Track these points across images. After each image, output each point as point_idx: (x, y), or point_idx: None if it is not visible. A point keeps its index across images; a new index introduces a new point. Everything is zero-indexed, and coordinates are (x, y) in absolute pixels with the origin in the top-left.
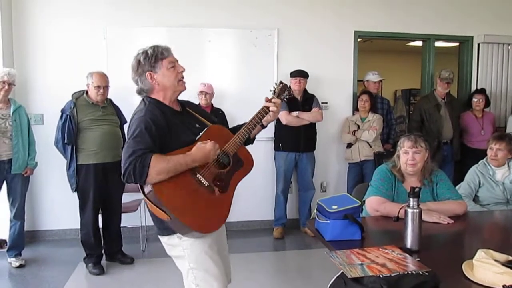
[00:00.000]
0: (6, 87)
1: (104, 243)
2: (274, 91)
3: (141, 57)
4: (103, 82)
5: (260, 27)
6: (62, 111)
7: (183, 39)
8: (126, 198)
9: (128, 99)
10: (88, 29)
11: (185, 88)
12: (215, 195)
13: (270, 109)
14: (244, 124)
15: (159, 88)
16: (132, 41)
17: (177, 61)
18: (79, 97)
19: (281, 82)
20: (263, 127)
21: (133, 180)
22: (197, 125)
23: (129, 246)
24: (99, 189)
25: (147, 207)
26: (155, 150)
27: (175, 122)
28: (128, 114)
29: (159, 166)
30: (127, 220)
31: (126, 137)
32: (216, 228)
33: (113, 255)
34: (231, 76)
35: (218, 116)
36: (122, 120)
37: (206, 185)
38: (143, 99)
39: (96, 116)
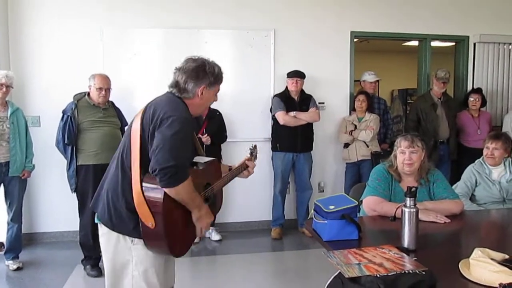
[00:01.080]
0: (4, 89)
1: None
2: (252, 153)
3: (210, 69)
4: (105, 84)
5: (257, 28)
6: (63, 112)
7: (179, 40)
8: None
9: (125, 101)
10: (84, 31)
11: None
12: (191, 225)
13: (249, 169)
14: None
15: (197, 102)
16: (129, 43)
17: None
18: (80, 98)
19: (255, 146)
20: (232, 179)
21: (164, 179)
22: (194, 146)
23: None
24: None
25: (112, 197)
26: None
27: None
28: (126, 115)
29: (186, 191)
30: None
31: (152, 124)
32: (181, 255)
33: None
34: (228, 77)
35: (215, 117)
36: (123, 122)
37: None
38: (177, 96)
39: (97, 117)
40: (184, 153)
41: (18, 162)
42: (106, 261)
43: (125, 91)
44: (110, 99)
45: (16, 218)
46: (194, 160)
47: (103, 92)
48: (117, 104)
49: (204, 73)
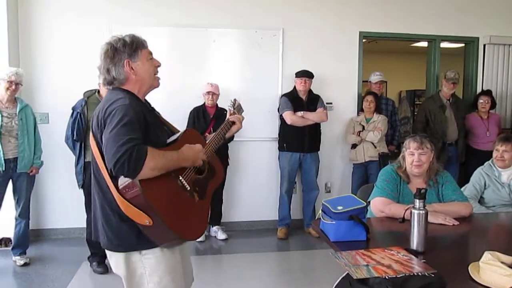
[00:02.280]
0: (13, 87)
1: None
2: (232, 106)
3: (119, 44)
4: None
5: (265, 27)
6: (73, 109)
7: (188, 39)
8: None
9: None
10: (93, 28)
11: (159, 85)
12: (195, 201)
13: (236, 123)
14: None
15: (135, 79)
16: None
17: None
18: (90, 95)
19: (235, 100)
20: (224, 139)
21: (125, 172)
22: (165, 127)
23: None
24: None
25: (111, 211)
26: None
27: (151, 118)
28: None
29: (156, 161)
30: None
31: (99, 130)
32: (197, 236)
33: None
34: (235, 76)
35: (222, 116)
36: None
37: (188, 189)
38: (115, 89)
39: None
40: (133, 135)
41: (26, 159)
42: (127, 284)
43: None
44: None
45: (23, 214)
46: (168, 141)
47: None
48: None
49: (115, 51)
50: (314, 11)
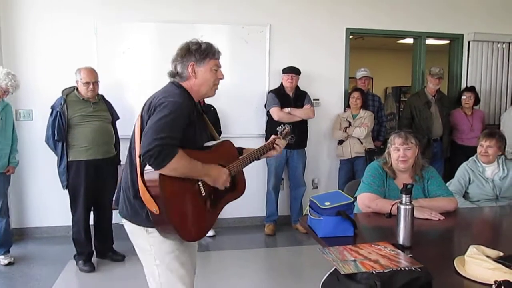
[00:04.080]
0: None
1: (95, 241)
2: (281, 132)
3: (193, 46)
4: (92, 78)
5: (252, 23)
6: (52, 108)
7: (174, 34)
8: None
9: (119, 95)
10: (78, 24)
11: (213, 95)
12: (205, 208)
13: (276, 147)
14: (244, 148)
15: (194, 82)
16: (123, 37)
17: (221, 67)
18: (69, 93)
19: (290, 127)
20: (258, 159)
21: (150, 163)
22: (207, 132)
23: (120, 243)
24: (90, 186)
25: (126, 189)
26: (180, 144)
27: (196, 119)
28: (120, 110)
29: (180, 164)
30: (118, 217)
31: (147, 115)
32: (195, 240)
33: (104, 252)
34: (222, 72)
35: (209, 112)
36: (114, 116)
37: (203, 195)
38: (174, 83)
39: (87, 112)
40: (172, 134)
41: (4, 158)
42: (138, 253)
43: (119, 85)
44: (103, 93)
45: (3, 213)
46: (205, 145)
47: (91, 86)
48: (110, 99)
49: (188, 51)
50: (301, 8)
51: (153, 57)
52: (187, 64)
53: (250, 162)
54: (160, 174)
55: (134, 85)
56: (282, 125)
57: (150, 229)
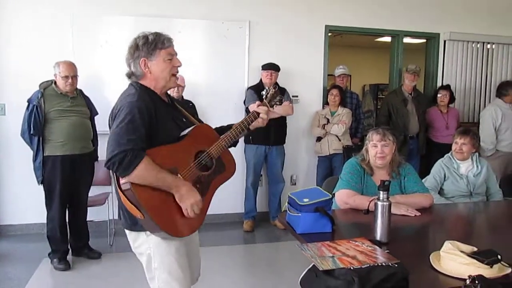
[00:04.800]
0: None
1: (70, 238)
2: (266, 95)
3: (140, 41)
4: (71, 72)
5: (232, 19)
6: (29, 101)
7: (153, 29)
8: (94, 191)
9: (97, 89)
10: (54, 16)
11: (175, 85)
12: None
13: (261, 115)
14: (229, 126)
15: (150, 77)
16: (100, 31)
17: (176, 54)
18: (47, 87)
19: (274, 87)
20: (250, 131)
21: (114, 170)
22: (184, 120)
23: (96, 241)
24: (66, 182)
25: (119, 198)
26: (145, 142)
27: (164, 113)
28: (98, 105)
29: (146, 174)
30: (94, 214)
31: (111, 124)
32: (190, 232)
33: (79, 250)
34: (201, 68)
35: (188, 108)
36: (93, 112)
37: None
38: (132, 84)
39: (64, 106)
40: (132, 137)
41: None
42: (142, 262)
43: (96, 80)
44: (80, 87)
45: None
46: (181, 135)
47: (70, 80)
48: (87, 93)
49: (136, 48)
50: (280, 4)
51: None
52: (138, 61)
53: (235, 139)
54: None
55: (113, 80)
56: (266, 88)
57: (148, 232)
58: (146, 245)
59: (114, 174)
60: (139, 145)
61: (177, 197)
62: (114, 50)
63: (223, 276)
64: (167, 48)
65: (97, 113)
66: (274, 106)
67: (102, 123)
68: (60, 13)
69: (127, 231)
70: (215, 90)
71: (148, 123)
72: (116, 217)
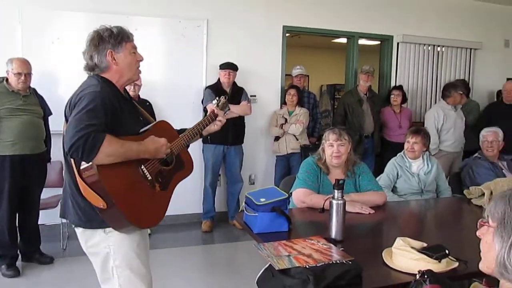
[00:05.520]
0: None
1: (20, 242)
2: (218, 104)
3: (106, 33)
4: (25, 69)
5: (189, 17)
6: None
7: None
8: (45, 193)
9: (47, 88)
10: (2, 11)
11: (138, 79)
12: (155, 192)
13: (219, 117)
14: (182, 130)
15: (116, 69)
16: (51, 26)
17: (137, 48)
18: None
19: (225, 98)
20: (201, 136)
21: (79, 156)
22: (141, 118)
23: (48, 245)
24: (15, 182)
25: (71, 194)
26: (106, 131)
27: (125, 107)
28: (51, 104)
29: (112, 148)
30: (45, 217)
31: (68, 114)
32: (153, 225)
33: (30, 255)
34: (158, 67)
35: (145, 107)
36: (46, 111)
37: (149, 178)
38: (93, 76)
39: (15, 105)
40: (94, 121)
41: None
42: (93, 263)
43: (47, 77)
44: (32, 86)
45: None
46: (140, 131)
47: (23, 78)
48: (38, 91)
49: (101, 39)
50: (239, 3)
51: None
52: (104, 52)
53: (193, 138)
54: (98, 166)
55: (66, 78)
56: (217, 98)
57: (107, 229)
58: (104, 243)
59: (75, 163)
60: (101, 129)
61: (150, 155)
62: (67, 48)
63: (181, 277)
64: (131, 42)
65: (50, 113)
66: (224, 114)
67: (55, 123)
68: (7, 5)
69: (79, 230)
70: (173, 89)
71: (110, 114)
72: None
